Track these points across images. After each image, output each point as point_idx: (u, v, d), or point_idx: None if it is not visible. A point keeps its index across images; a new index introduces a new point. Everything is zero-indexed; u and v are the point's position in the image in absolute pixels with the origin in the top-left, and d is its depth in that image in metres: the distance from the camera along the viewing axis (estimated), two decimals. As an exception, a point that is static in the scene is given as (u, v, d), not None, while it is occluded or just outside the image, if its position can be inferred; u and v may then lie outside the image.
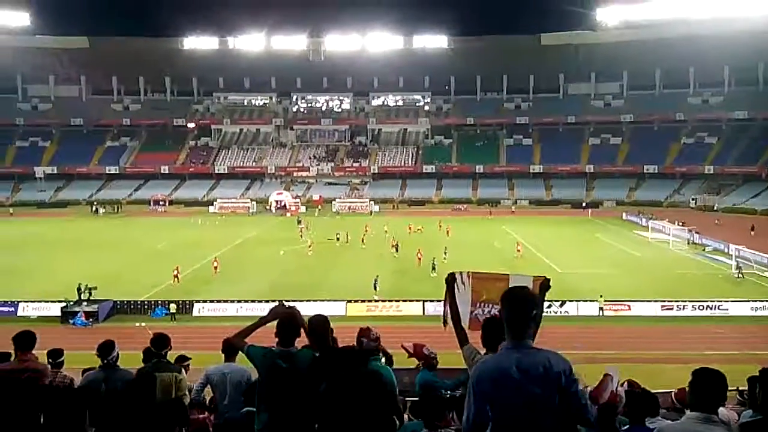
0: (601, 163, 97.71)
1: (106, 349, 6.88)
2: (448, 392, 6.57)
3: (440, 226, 62.14)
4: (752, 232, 60.04)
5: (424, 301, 35.51)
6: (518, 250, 51.07)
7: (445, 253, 47.46)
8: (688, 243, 57.04)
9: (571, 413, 3.55)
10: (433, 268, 43.21)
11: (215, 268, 45.21)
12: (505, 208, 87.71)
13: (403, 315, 34.23)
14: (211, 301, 36.09)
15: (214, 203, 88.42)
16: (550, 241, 59.00)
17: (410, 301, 35.94)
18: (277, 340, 5.27)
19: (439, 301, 37.21)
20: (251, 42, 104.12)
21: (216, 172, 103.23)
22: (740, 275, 43.14)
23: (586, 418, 3.56)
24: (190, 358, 8.29)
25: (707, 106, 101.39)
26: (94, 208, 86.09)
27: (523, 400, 3.54)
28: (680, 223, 61.68)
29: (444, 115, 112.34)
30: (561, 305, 34.15)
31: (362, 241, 56.46)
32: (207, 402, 8.06)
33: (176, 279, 41.78)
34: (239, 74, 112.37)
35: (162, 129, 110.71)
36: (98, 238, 61.30)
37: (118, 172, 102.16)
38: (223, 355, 7.57)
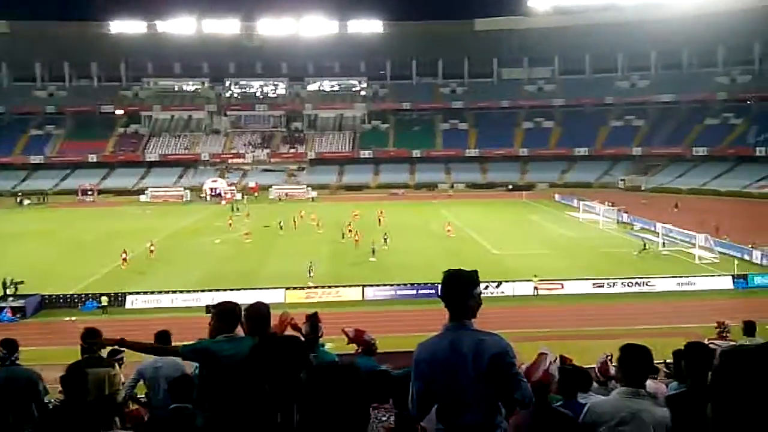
0: (534, 146, 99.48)
1: (10, 345, 6.56)
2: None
3: (380, 213, 61.27)
4: (675, 209, 62.66)
5: (363, 286, 35.72)
6: (448, 230, 52.66)
7: (385, 240, 47.61)
8: (617, 222, 59.04)
9: (501, 394, 3.58)
10: (373, 253, 43.63)
11: (151, 252, 45.59)
12: (442, 191, 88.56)
13: (342, 300, 34.17)
14: (145, 293, 35.15)
15: (146, 192, 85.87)
16: (486, 223, 60.00)
17: (349, 286, 35.96)
18: (211, 333, 5.15)
19: (378, 285, 37.05)
20: (181, 25, 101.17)
21: (147, 160, 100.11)
22: (640, 253, 44.52)
23: (512, 398, 3.57)
24: (123, 351, 8.03)
25: (635, 90, 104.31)
26: (18, 200, 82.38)
27: (453, 380, 3.57)
28: (609, 204, 63.71)
29: (380, 99, 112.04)
30: (497, 286, 34.86)
31: (317, 225, 56.98)
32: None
33: (125, 261, 41.89)
34: (169, 59, 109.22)
35: (89, 116, 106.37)
36: (24, 230, 58.76)
37: (43, 161, 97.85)
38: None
